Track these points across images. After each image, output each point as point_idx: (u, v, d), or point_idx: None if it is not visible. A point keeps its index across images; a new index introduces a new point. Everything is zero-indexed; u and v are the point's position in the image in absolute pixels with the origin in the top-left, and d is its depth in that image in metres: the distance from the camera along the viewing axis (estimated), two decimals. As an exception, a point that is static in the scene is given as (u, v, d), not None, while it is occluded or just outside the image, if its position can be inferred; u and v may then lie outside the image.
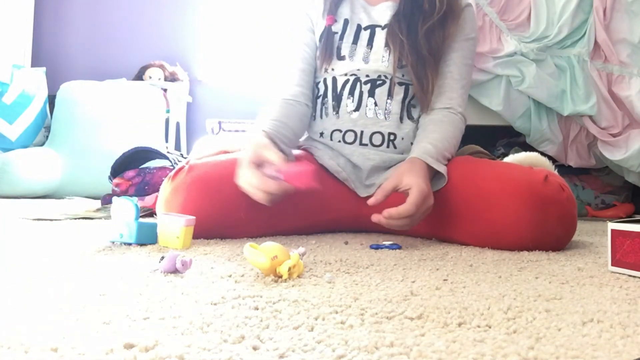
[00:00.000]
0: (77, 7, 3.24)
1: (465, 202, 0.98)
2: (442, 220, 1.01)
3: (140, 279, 0.60)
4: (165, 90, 2.93)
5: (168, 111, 2.94)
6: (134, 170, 1.68)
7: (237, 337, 0.40)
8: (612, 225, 0.73)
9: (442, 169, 1.01)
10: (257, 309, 0.49)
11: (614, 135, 1.74)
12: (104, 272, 0.64)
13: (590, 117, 1.74)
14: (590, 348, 0.40)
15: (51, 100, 2.72)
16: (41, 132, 2.67)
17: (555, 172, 1.03)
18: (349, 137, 1.14)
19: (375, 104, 1.13)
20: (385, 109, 1.13)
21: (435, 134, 1.07)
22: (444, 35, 1.13)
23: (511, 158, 1.20)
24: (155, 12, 3.22)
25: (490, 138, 2.16)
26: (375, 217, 0.92)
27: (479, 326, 0.46)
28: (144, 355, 0.35)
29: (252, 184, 0.89)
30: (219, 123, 2.55)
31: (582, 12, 1.73)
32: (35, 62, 3.06)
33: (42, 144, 2.61)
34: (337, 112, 1.15)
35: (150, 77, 2.99)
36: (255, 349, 0.38)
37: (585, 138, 1.82)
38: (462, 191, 0.99)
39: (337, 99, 1.16)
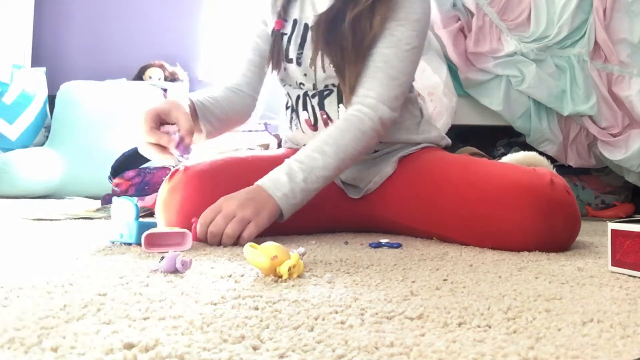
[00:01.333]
0: (77, 7, 3.24)
1: (468, 204, 0.97)
2: (444, 221, 1.01)
3: (140, 279, 0.60)
4: (165, 90, 2.93)
5: (168, 111, 2.93)
6: (134, 170, 1.68)
7: (237, 337, 0.40)
8: (612, 225, 0.73)
9: (272, 190, 0.92)
10: (257, 309, 0.49)
11: (614, 135, 1.74)
12: (104, 272, 0.64)
13: (590, 117, 1.74)
14: (590, 348, 0.40)
15: (51, 100, 2.72)
16: (41, 132, 2.67)
17: (554, 171, 1.03)
18: None
19: (327, 116, 1.10)
20: (338, 118, 1.07)
21: (301, 152, 0.98)
22: (374, 22, 0.99)
23: (509, 157, 1.19)
24: (155, 12, 3.22)
25: (490, 138, 2.16)
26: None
27: (479, 326, 0.46)
28: (144, 355, 0.35)
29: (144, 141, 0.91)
30: (219, 123, 2.54)
31: (582, 12, 1.73)
32: (35, 62, 3.06)
33: (42, 144, 2.61)
34: (300, 127, 1.14)
35: (150, 77, 2.99)
36: (255, 349, 0.38)
37: (585, 138, 1.82)
38: (465, 192, 0.98)
39: (297, 115, 1.14)
